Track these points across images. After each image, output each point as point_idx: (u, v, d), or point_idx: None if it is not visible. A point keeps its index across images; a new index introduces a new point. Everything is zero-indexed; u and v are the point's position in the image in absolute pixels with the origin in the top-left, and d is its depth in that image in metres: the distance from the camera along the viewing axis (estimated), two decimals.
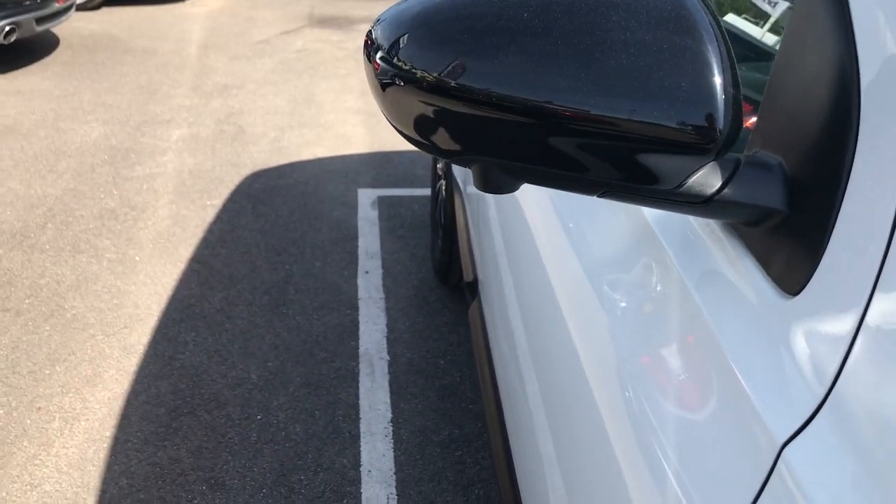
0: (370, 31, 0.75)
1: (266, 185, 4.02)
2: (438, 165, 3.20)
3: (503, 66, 0.65)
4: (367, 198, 3.91)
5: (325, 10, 7.86)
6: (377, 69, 0.72)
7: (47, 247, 3.34)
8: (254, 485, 2.22)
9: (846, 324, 0.59)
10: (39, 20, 5.54)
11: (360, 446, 2.37)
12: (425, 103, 0.69)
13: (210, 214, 3.69)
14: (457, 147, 0.71)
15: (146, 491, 2.18)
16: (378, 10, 7.93)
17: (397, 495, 2.21)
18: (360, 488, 2.22)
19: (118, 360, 2.68)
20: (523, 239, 1.46)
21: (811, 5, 0.71)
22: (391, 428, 2.44)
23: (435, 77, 0.67)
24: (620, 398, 0.86)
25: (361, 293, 3.12)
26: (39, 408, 2.46)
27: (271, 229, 3.59)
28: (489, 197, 1.90)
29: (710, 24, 0.64)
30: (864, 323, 0.57)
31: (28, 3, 5.38)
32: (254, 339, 2.83)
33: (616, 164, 0.66)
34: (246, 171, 4.18)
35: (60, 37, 6.46)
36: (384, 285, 3.17)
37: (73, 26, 6.75)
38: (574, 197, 1.25)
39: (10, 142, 4.37)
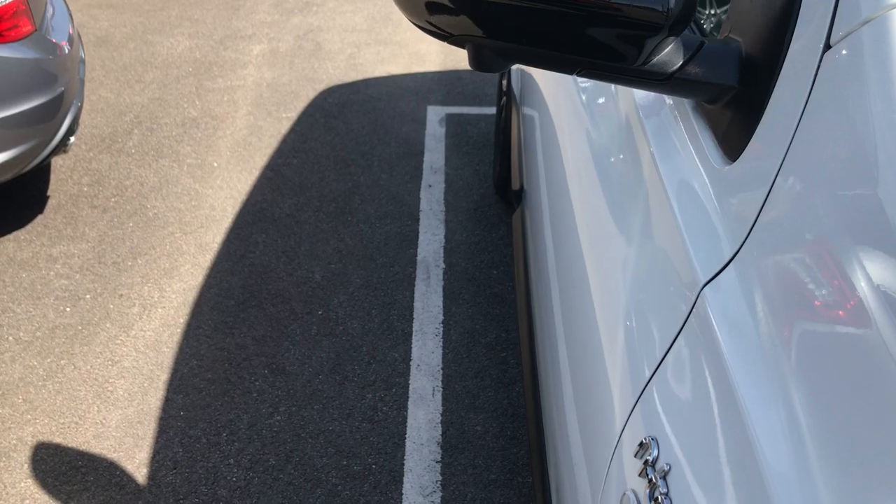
0: None
1: (339, 100, 4.15)
2: (503, 82, 3.25)
3: None
4: (435, 115, 4.00)
5: None
6: None
7: (133, 151, 3.56)
8: (311, 371, 2.40)
9: (765, 181, 0.66)
10: None
11: (411, 343, 2.52)
12: None
13: (285, 126, 3.85)
14: (451, 29, 0.80)
15: (213, 371, 2.39)
16: None
17: (442, 388, 2.36)
18: (408, 380, 2.38)
19: (194, 256, 2.89)
20: (552, 139, 1.54)
21: None
22: (441, 329, 2.58)
23: None
24: (599, 247, 0.96)
25: (423, 205, 3.24)
26: (121, 295, 2.68)
27: (341, 142, 3.72)
28: (536, 116, 1.98)
29: None
30: (778, 177, 0.65)
31: None
32: (319, 243, 2.99)
33: (586, 42, 0.75)
34: (321, 86, 4.31)
35: None
36: (445, 199, 3.28)
37: None
38: (593, 110, 1.33)
39: (102, 53, 4.60)
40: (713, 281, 0.68)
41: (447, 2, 0.77)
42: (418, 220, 3.15)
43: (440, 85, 4.34)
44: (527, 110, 2.26)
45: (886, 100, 0.55)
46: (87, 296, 2.67)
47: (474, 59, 0.84)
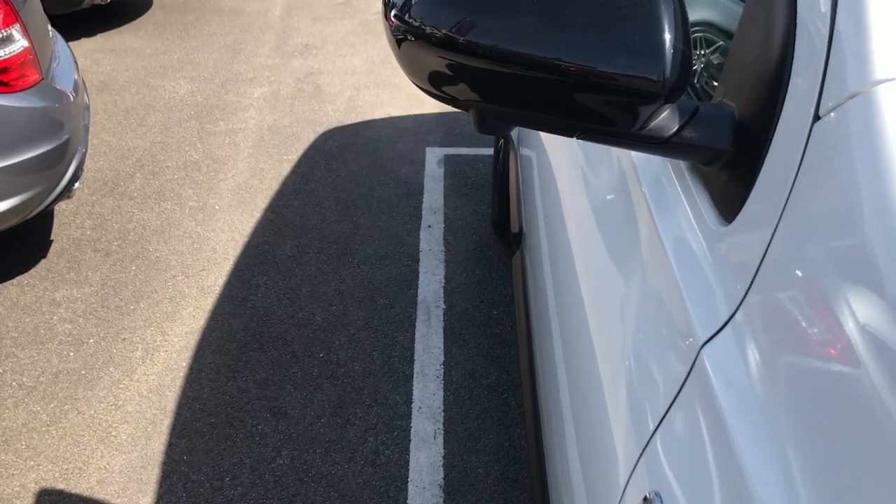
0: None
1: (339, 141, 4.20)
2: None
3: (494, 23, 0.77)
4: (434, 156, 4.04)
5: None
6: (392, 25, 0.85)
7: (135, 194, 3.59)
8: (313, 414, 2.41)
9: (760, 245, 0.69)
10: None
11: (412, 385, 2.53)
12: (432, 56, 0.81)
13: (286, 168, 3.89)
14: (455, 94, 0.83)
15: (216, 415, 2.40)
16: None
17: (444, 430, 2.36)
18: (409, 423, 2.39)
19: (196, 299, 2.91)
20: (552, 188, 1.58)
21: None
22: (443, 370, 2.60)
23: (442, 33, 0.79)
24: (603, 308, 0.98)
25: (423, 245, 3.26)
26: (124, 339, 2.70)
27: (342, 184, 3.76)
28: (534, 157, 2.02)
29: None
30: (773, 242, 0.68)
31: None
32: (320, 285, 3.01)
33: (584, 109, 0.78)
34: (321, 128, 4.36)
35: None
36: (445, 239, 3.31)
37: None
38: (590, 156, 1.37)
39: (104, 97, 4.66)
40: (712, 340, 0.71)
41: (450, 71, 0.81)
42: (418, 260, 3.17)
43: (438, 126, 4.40)
44: (524, 152, 2.30)
45: (873, 171, 0.58)
46: (91, 340, 2.68)
47: (477, 123, 0.88)
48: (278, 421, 2.38)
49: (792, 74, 0.72)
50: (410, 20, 0.82)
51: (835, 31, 0.69)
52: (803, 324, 0.61)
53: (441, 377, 2.57)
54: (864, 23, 0.66)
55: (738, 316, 0.70)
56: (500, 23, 0.77)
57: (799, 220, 0.65)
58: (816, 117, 0.67)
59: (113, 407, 2.42)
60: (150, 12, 6.35)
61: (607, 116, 0.78)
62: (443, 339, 2.73)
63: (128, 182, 3.70)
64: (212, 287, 2.98)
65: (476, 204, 3.58)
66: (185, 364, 2.60)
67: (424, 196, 3.65)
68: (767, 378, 0.63)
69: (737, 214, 0.75)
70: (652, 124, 0.79)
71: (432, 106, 4.67)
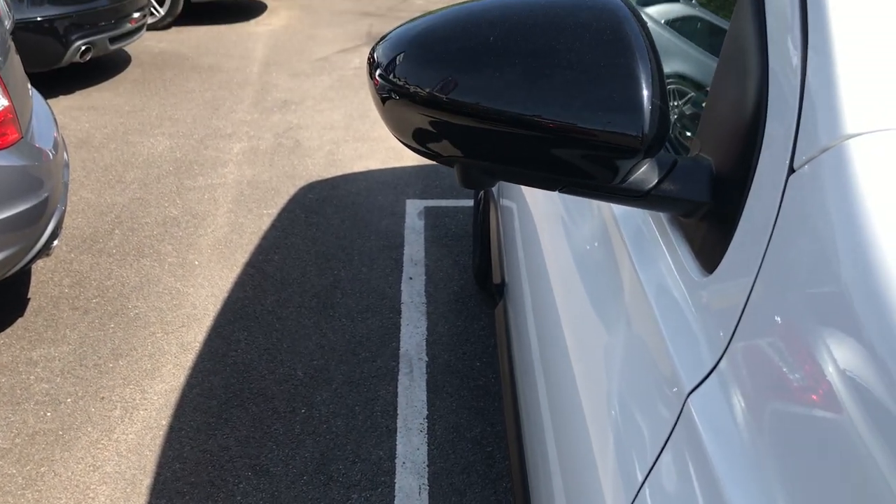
0: (372, 50, 0.90)
1: (319, 195, 4.21)
2: None
3: (476, 82, 0.79)
4: (414, 208, 4.07)
5: (384, 28, 8.09)
6: (377, 84, 0.87)
7: (114, 251, 3.57)
8: (296, 472, 2.37)
9: (740, 295, 0.70)
10: (113, 39, 5.87)
11: (396, 440, 2.51)
12: (417, 114, 0.83)
13: (266, 223, 3.89)
14: (441, 151, 0.85)
15: (197, 475, 2.36)
16: None
17: (429, 486, 2.34)
18: (394, 479, 2.36)
19: (175, 356, 2.88)
20: (533, 240, 1.59)
21: (737, 42, 0.84)
22: (426, 424, 2.58)
23: (426, 92, 0.81)
24: (588, 355, 0.99)
25: (404, 298, 3.26)
26: (103, 397, 2.66)
27: (322, 237, 3.76)
28: (515, 208, 2.04)
29: (644, 45, 0.76)
30: (752, 292, 0.69)
31: (103, 23, 5.71)
32: (301, 339, 2.99)
33: (568, 164, 0.79)
34: (301, 182, 4.38)
35: (132, 55, 6.80)
36: (426, 291, 3.31)
37: (144, 45, 7.09)
38: (570, 207, 1.38)
39: (82, 154, 4.66)
40: (698, 388, 0.71)
41: (434, 128, 0.82)
42: (400, 312, 3.17)
43: (417, 179, 4.43)
44: (505, 203, 2.32)
45: (847, 223, 0.60)
46: (69, 399, 2.64)
47: (462, 178, 0.89)
48: (260, 479, 2.35)
49: (766, 129, 0.74)
50: (395, 79, 0.84)
51: (806, 87, 0.71)
52: (786, 370, 0.62)
53: (425, 431, 2.55)
54: (833, 78, 0.68)
55: (722, 363, 0.70)
56: (482, 82, 0.79)
57: (778, 269, 0.66)
58: (791, 170, 0.69)
59: (91, 468, 2.37)
60: (128, 69, 6.40)
61: (588, 171, 0.79)
62: (426, 393, 2.72)
63: (106, 239, 3.68)
64: (192, 343, 2.95)
65: (457, 255, 3.59)
66: (164, 422, 2.56)
67: (405, 248, 3.65)
68: (754, 424, 0.64)
69: (717, 265, 0.76)
70: (632, 178, 0.80)
71: (411, 159, 4.71)
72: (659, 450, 0.75)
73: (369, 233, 3.81)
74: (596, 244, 1.16)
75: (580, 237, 1.27)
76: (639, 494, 0.76)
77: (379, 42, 0.90)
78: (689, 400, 0.72)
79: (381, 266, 3.51)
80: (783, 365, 0.62)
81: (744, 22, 0.84)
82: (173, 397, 2.67)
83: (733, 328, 0.70)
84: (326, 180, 4.41)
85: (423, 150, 0.86)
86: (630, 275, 0.95)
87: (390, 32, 0.89)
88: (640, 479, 0.77)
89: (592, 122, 0.75)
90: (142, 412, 2.60)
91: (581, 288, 1.15)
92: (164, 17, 7.70)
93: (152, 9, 7.54)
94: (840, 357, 0.56)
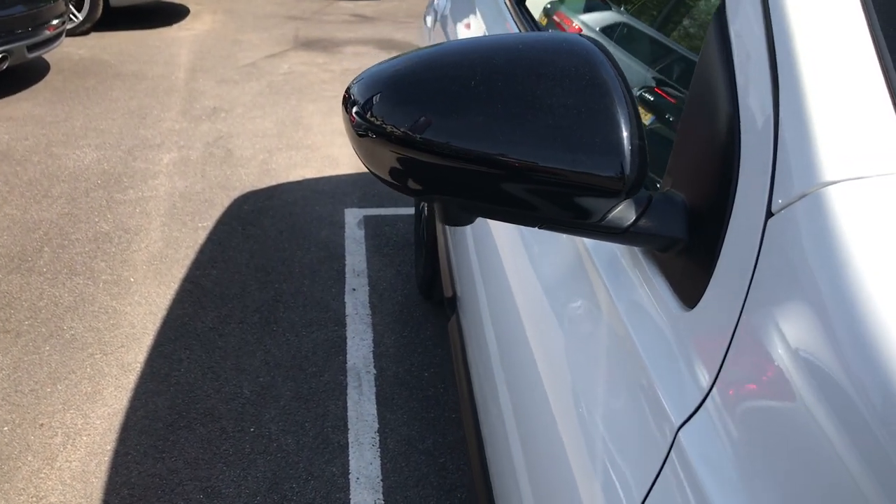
0: (349, 88, 0.90)
1: (255, 206, 4.16)
2: None
3: (456, 124, 0.80)
4: (353, 217, 4.05)
5: (311, 33, 8.03)
6: (353, 122, 0.87)
7: (45, 270, 3.46)
8: (248, 493, 2.34)
9: (725, 331, 0.73)
10: (31, 47, 5.68)
11: (348, 455, 2.50)
12: (392, 152, 0.83)
13: (201, 236, 3.82)
14: (419, 188, 0.85)
15: (146, 500, 2.31)
16: (362, 32, 8.10)
17: (384, 500, 2.34)
18: (348, 495, 2.35)
19: (116, 378, 2.81)
20: (492, 259, 1.61)
21: (705, 81, 0.87)
22: (378, 437, 2.58)
23: (402, 131, 0.81)
24: (566, 394, 1.01)
25: (349, 310, 3.25)
26: (42, 424, 2.58)
27: (261, 250, 3.72)
28: None
29: (620, 88, 0.78)
30: (738, 328, 0.72)
31: (20, 31, 5.51)
32: (245, 356, 2.96)
33: (548, 204, 0.81)
34: (235, 193, 4.32)
35: (51, 63, 6.59)
36: (371, 302, 3.31)
37: (64, 52, 6.88)
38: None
39: (4, 168, 4.49)
40: (688, 423, 0.74)
41: (413, 167, 0.83)
42: (345, 325, 3.16)
43: (355, 187, 4.42)
44: None
45: (828, 269, 0.63)
46: (5, 428, 2.55)
47: (442, 215, 0.90)
48: (212, 502, 2.31)
49: (741, 171, 0.77)
50: (372, 118, 0.84)
51: (779, 130, 0.74)
52: (776, 403, 0.65)
53: (377, 445, 2.55)
54: (807, 124, 0.71)
55: (712, 396, 0.73)
56: (461, 124, 0.80)
57: (762, 306, 0.69)
58: (770, 213, 0.72)
59: (34, 498, 2.30)
60: (47, 78, 6.19)
61: (569, 211, 0.81)
62: (376, 406, 2.72)
63: (35, 257, 3.56)
64: (132, 364, 2.88)
65: (399, 265, 3.60)
66: (109, 447, 2.49)
67: (347, 259, 3.64)
68: (748, 456, 0.67)
69: (699, 299, 0.79)
70: (611, 216, 0.83)
71: (348, 167, 4.69)
72: (649, 485, 0.77)
73: (309, 244, 3.78)
74: (564, 266, 1.19)
75: (547, 257, 1.29)
76: None
77: (356, 81, 0.90)
78: (679, 434, 0.74)
79: (323, 278, 3.49)
80: (773, 398, 0.65)
81: (711, 62, 0.87)
82: (117, 421, 2.61)
83: (721, 361, 0.73)
84: (261, 190, 4.36)
85: (399, 185, 0.87)
86: (607, 304, 0.97)
87: (370, 70, 0.89)
88: None
89: (575, 164, 0.77)
90: (85, 438, 2.53)
91: (550, 311, 1.17)
92: (82, 23, 7.48)
93: (70, 14, 7.31)
94: (828, 392, 0.59)
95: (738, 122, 0.80)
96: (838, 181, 0.67)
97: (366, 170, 4.63)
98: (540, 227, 0.87)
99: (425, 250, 3.09)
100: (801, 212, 0.68)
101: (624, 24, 2.02)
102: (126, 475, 2.39)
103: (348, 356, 2.97)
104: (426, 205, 3.12)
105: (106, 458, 2.45)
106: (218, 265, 3.57)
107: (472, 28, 2.37)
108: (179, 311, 3.21)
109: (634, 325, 0.89)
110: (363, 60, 7.04)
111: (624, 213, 0.83)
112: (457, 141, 0.79)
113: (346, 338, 3.07)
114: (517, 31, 2.00)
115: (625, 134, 0.76)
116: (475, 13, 2.43)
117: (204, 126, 5.27)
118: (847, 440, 0.57)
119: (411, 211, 4.07)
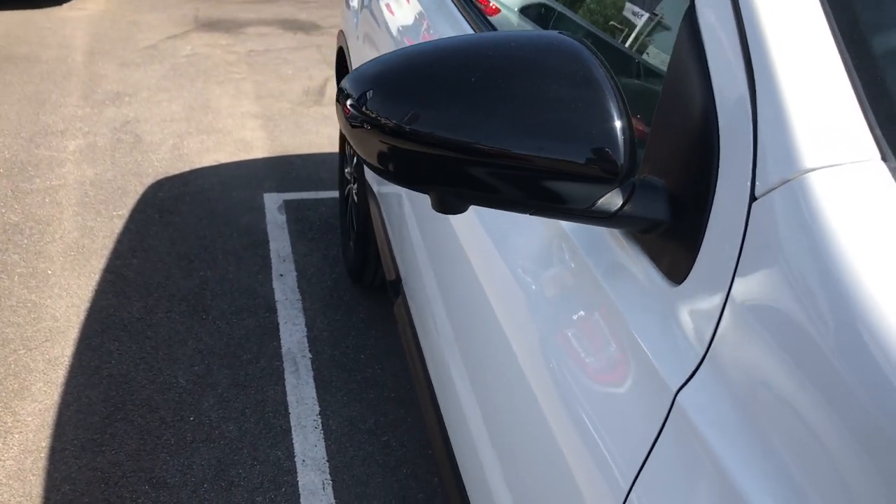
0: (343, 83, 0.94)
1: (171, 193, 4.09)
2: (346, 169, 3.36)
3: (452, 117, 0.86)
4: (273, 202, 4.03)
5: (211, 14, 7.83)
6: (347, 114, 0.91)
7: None
8: (195, 481, 2.35)
9: (716, 302, 0.82)
10: None
11: (291, 439, 2.53)
12: (387, 144, 0.88)
13: (118, 225, 3.74)
14: (413, 178, 0.91)
15: (90, 494, 2.28)
16: (265, 12, 7.96)
17: (332, 480, 2.39)
18: (296, 477, 2.39)
19: (44, 373, 2.74)
20: (444, 236, 1.66)
21: (680, 71, 0.95)
22: (320, 420, 2.61)
23: (395, 124, 0.87)
24: (546, 371, 1.08)
25: (278, 296, 3.26)
26: None
27: (181, 237, 3.67)
28: (404, 197, 2.07)
29: (609, 82, 0.85)
30: (728, 300, 0.80)
31: None
32: (177, 345, 2.93)
33: (543, 192, 0.88)
34: (148, 179, 4.22)
35: None
36: (300, 287, 3.32)
37: None
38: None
39: None
40: (686, 387, 0.82)
41: (409, 157, 0.88)
42: (276, 311, 3.16)
43: (272, 171, 4.39)
44: (387, 191, 2.34)
45: (812, 254, 0.71)
46: None
47: (437, 204, 0.95)
48: (159, 492, 2.31)
49: (721, 159, 0.85)
50: (367, 111, 0.89)
51: (758, 117, 0.82)
52: (772, 364, 0.73)
53: (320, 427, 2.58)
54: (784, 111, 0.79)
55: (708, 359, 0.81)
56: (454, 117, 0.86)
57: (751, 277, 0.78)
58: (753, 197, 0.80)
59: None
60: None
61: (562, 199, 0.88)
62: (315, 389, 2.75)
63: None
64: (59, 358, 2.82)
65: (325, 249, 3.61)
66: (44, 444, 2.45)
67: (271, 244, 3.63)
68: (750, 411, 0.75)
69: (685, 277, 0.87)
70: (600, 202, 0.90)
71: (262, 150, 4.65)
72: (648, 449, 0.85)
73: (230, 230, 3.75)
74: (538, 246, 1.25)
75: (514, 238, 1.34)
76: (629, 496, 0.86)
77: (350, 76, 0.94)
78: (678, 397, 0.83)
79: (248, 264, 3.47)
80: (767, 357, 0.73)
81: (684, 52, 0.95)
82: (49, 416, 2.55)
83: (715, 324, 0.81)
84: (175, 176, 4.28)
85: (392, 175, 0.91)
86: (591, 281, 1.05)
87: (363, 66, 0.94)
88: (629, 478, 0.87)
89: (571, 155, 0.84)
90: (17, 435, 2.47)
91: (524, 291, 1.23)
92: None
93: None
94: (813, 352, 0.68)
95: (715, 111, 0.87)
96: (818, 168, 0.76)
97: (281, 153, 4.61)
98: (532, 214, 0.94)
99: (354, 235, 3.12)
100: (784, 196, 0.76)
101: (549, 7, 2.07)
102: (65, 471, 2.36)
103: (282, 342, 2.98)
104: (355, 188, 3.15)
105: (42, 455, 2.41)
106: (138, 254, 3.50)
107: (409, 4, 2.37)
108: (104, 303, 3.15)
109: (622, 301, 0.96)
110: (268, 41, 6.93)
111: (612, 199, 0.90)
112: (451, 133, 0.85)
113: (278, 324, 3.08)
114: (453, 9, 2.04)
115: (618, 126, 0.84)
116: None
117: (109, 111, 5.11)
118: (830, 395, 0.66)
119: (333, 195, 4.08)
